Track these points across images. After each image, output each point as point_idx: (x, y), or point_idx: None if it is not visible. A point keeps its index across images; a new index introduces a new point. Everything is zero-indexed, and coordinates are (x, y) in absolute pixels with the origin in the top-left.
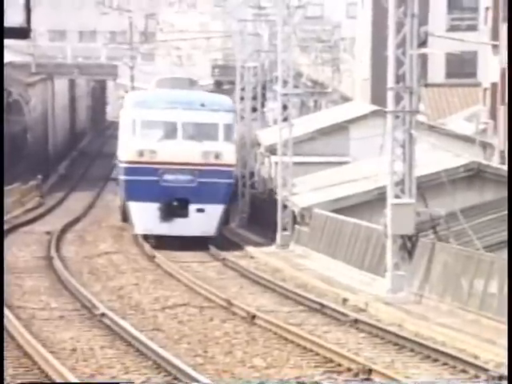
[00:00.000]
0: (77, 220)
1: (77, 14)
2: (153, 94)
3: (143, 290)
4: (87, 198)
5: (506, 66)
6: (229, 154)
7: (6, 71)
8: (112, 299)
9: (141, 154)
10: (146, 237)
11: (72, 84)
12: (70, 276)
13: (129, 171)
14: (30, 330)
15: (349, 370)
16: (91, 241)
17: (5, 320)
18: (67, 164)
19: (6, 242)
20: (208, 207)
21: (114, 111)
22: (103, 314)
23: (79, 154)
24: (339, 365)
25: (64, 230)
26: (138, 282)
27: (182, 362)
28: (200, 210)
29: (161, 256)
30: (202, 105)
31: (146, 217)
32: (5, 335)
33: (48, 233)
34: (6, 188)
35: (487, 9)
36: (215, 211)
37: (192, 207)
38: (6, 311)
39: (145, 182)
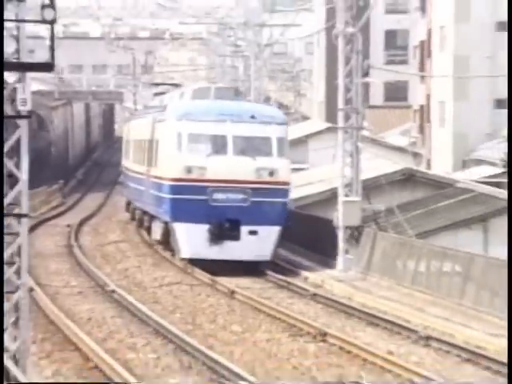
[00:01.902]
0: (91, 216)
1: (91, 52)
2: (198, 105)
3: (144, 271)
4: (99, 198)
5: (430, 92)
6: (284, 170)
7: (35, 98)
8: (120, 278)
9: (189, 170)
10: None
11: (87, 107)
12: (86, 260)
13: (175, 189)
14: (54, 303)
15: (308, 333)
16: (103, 232)
17: (35, 294)
18: (83, 171)
19: (36, 233)
20: (261, 229)
21: (120, 129)
22: (113, 291)
23: (93, 163)
24: (301, 329)
25: (81, 224)
26: (140, 264)
27: (176, 328)
28: (253, 233)
29: (158, 245)
30: (253, 117)
31: (194, 239)
32: (32, 311)
33: (68, 226)
34: (35, 190)
35: (415, 47)
36: (269, 233)
37: (244, 229)
38: (36, 288)
39: (193, 202)
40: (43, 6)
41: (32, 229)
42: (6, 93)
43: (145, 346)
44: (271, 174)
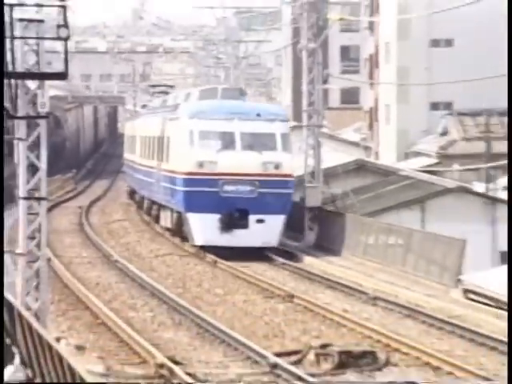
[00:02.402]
0: (98, 199)
1: (98, 64)
2: (208, 104)
3: (142, 244)
4: (105, 185)
5: (378, 96)
6: (288, 163)
7: (52, 101)
8: (122, 250)
9: (201, 165)
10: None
11: (95, 109)
12: (94, 235)
13: (188, 182)
14: (69, 271)
15: (278, 295)
16: (108, 212)
17: (52, 264)
18: (92, 162)
19: (52, 213)
20: (268, 218)
21: (122, 127)
22: (116, 261)
23: (100, 155)
24: (272, 292)
25: (90, 206)
26: (139, 239)
27: (169, 291)
28: (260, 221)
29: (153, 222)
30: (258, 115)
31: (206, 228)
32: (50, 277)
33: (80, 207)
34: (52, 178)
35: (365, 59)
36: (275, 222)
37: (252, 218)
38: (53, 258)
39: (205, 193)
40: (58, 26)
41: (49, 209)
42: (27, 97)
43: (143, 306)
44: (276, 167)
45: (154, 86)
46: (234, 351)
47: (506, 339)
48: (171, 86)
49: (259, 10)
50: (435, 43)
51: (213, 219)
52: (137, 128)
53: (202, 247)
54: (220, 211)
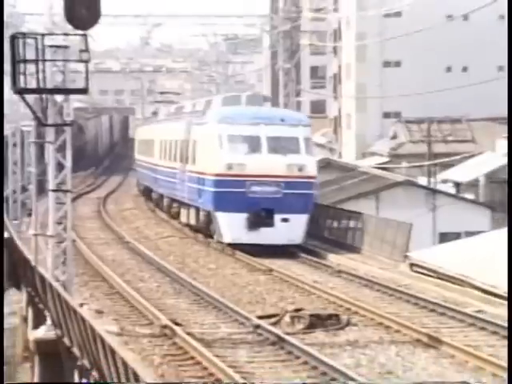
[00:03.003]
0: (113, 191)
1: (113, 81)
2: (235, 110)
3: (149, 228)
4: (119, 179)
5: (341, 107)
6: (311, 166)
7: (76, 112)
8: (133, 233)
9: (230, 167)
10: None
11: (110, 118)
12: (110, 221)
13: (218, 183)
14: (90, 249)
15: (260, 269)
16: (121, 202)
17: (76, 244)
18: (108, 161)
19: (76, 202)
20: (292, 217)
21: (132, 132)
22: (128, 241)
23: (114, 156)
24: (255, 267)
25: (106, 197)
26: (147, 224)
27: (171, 266)
28: (285, 220)
29: (158, 211)
30: (282, 120)
31: (234, 227)
32: (75, 255)
33: (98, 198)
34: (75, 174)
35: (330, 77)
36: (299, 220)
37: (277, 217)
38: (78, 240)
39: (234, 194)
40: (81, 51)
41: (73, 200)
42: (55, 108)
43: (150, 278)
44: (300, 169)
45: (162, 92)
46: (224, 314)
47: (443, 303)
48: (178, 93)
49: (244, 37)
50: (386, 64)
51: (240, 218)
52: (155, 132)
53: (230, 244)
54: (247, 211)
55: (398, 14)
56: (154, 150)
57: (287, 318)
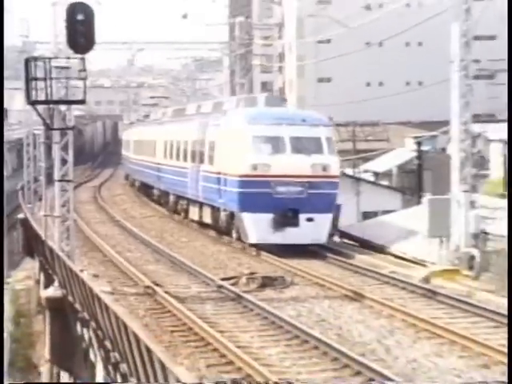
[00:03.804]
0: (106, 181)
1: (105, 94)
2: (258, 111)
3: (135, 210)
4: (110, 172)
5: None
6: (334, 166)
7: (76, 119)
8: (122, 214)
9: (255, 167)
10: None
11: (104, 123)
12: (104, 204)
13: (243, 184)
14: (88, 226)
15: (222, 242)
16: (112, 189)
17: (77, 222)
18: (102, 157)
19: (77, 190)
20: (317, 216)
21: (121, 134)
22: (118, 220)
23: (107, 153)
24: (218, 240)
25: (100, 185)
26: (133, 206)
27: (152, 239)
28: (309, 220)
29: (142, 196)
30: (304, 120)
31: (259, 227)
32: (76, 231)
33: (94, 186)
34: (76, 167)
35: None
36: (323, 220)
37: (302, 217)
38: (78, 219)
39: (259, 194)
40: (80, 70)
41: (75, 188)
42: (60, 116)
43: (135, 249)
44: (324, 168)
45: (152, 97)
46: (194, 277)
47: (365, 266)
48: (166, 97)
49: (208, 59)
50: (320, 80)
51: (266, 218)
52: (157, 134)
53: (252, 245)
54: (272, 211)
55: (328, 41)
56: (156, 149)
57: (244, 280)
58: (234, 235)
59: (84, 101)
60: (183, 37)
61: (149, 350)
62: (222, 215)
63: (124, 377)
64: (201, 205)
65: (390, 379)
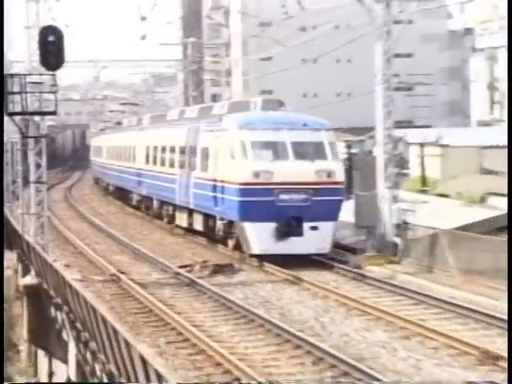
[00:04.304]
0: (75, 183)
1: (75, 106)
2: (255, 115)
3: (102, 207)
4: (79, 174)
5: None
6: (339, 171)
7: (49, 128)
8: (90, 211)
9: (256, 175)
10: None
11: (73, 132)
12: (74, 203)
13: (244, 192)
14: (60, 223)
15: (178, 234)
16: (82, 190)
17: (50, 219)
18: (71, 162)
19: (50, 191)
20: (321, 224)
21: (89, 141)
22: (87, 217)
23: (76, 158)
24: (175, 232)
25: (71, 186)
26: (100, 204)
27: (117, 233)
28: (314, 228)
29: (110, 196)
30: (305, 124)
31: (262, 237)
32: (50, 226)
33: (65, 187)
34: (48, 171)
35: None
36: (328, 228)
37: (306, 225)
38: (52, 216)
39: (261, 203)
40: (51, 85)
41: (48, 189)
42: (35, 125)
43: (102, 241)
44: (329, 175)
45: (124, 103)
46: (154, 265)
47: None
48: (137, 104)
49: (164, 74)
50: (263, 92)
51: (269, 228)
52: (136, 140)
53: (253, 255)
54: (276, 220)
55: (269, 58)
56: (136, 155)
57: (197, 267)
58: (231, 244)
59: (55, 112)
60: (142, 55)
61: (115, 330)
62: (219, 224)
63: (93, 353)
64: (190, 212)
65: (377, 379)
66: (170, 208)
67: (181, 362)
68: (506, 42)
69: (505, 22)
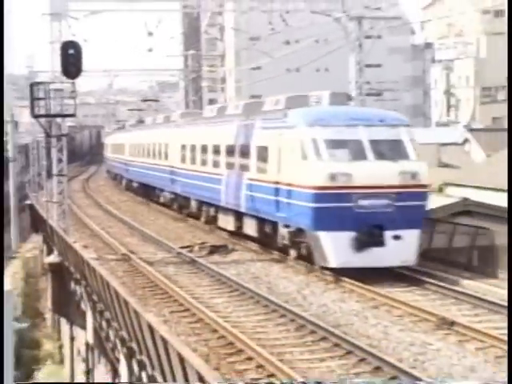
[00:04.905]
0: (92, 175)
1: (90, 109)
2: (326, 110)
3: (114, 196)
4: (95, 168)
5: None
6: (424, 173)
7: (69, 128)
8: (104, 200)
9: (333, 178)
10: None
11: (90, 132)
12: (91, 192)
13: (319, 197)
14: (79, 210)
15: (181, 219)
16: (97, 182)
17: (70, 206)
18: (88, 158)
19: (70, 182)
20: (405, 233)
21: (103, 139)
22: (100, 204)
23: (92, 154)
24: (178, 218)
25: (88, 178)
26: (113, 194)
27: (127, 218)
28: (397, 237)
29: (121, 185)
30: (381, 120)
31: (340, 248)
32: (70, 213)
33: (83, 179)
34: (69, 165)
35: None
36: (413, 237)
37: (388, 234)
38: (71, 204)
39: (338, 210)
40: (71, 91)
41: (68, 180)
42: (56, 126)
43: (115, 226)
44: (413, 177)
45: (144, 100)
46: (160, 246)
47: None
48: (157, 100)
49: (168, 82)
50: (253, 97)
51: (347, 238)
52: (167, 137)
53: (332, 269)
54: (354, 229)
55: (258, 68)
56: (168, 153)
57: (197, 248)
58: (293, 254)
59: (74, 114)
60: (149, 65)
61: (126, 302)
62: (283, 231)
63: (108, 321)
64: (239, 215)
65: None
66: (212, 209)
67: (183, 328)
68: (459, 55)
69: (459, 39)
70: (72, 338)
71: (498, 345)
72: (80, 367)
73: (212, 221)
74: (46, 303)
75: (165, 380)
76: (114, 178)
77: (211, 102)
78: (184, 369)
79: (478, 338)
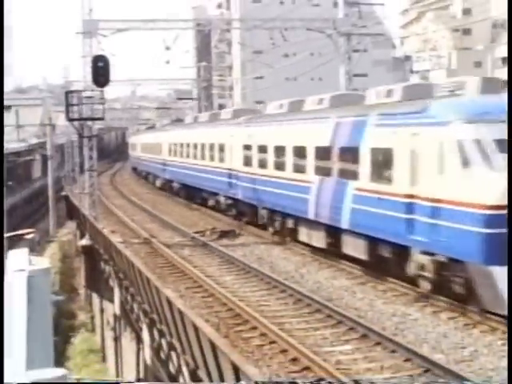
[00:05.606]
0: (118, 170)
1: (116, 114)
2: (486, 103)
3: (138, 188)
4: (120, 165)
5: None
6: None
7: (98, 130)
8: (129, 191)
9: (505, 195)
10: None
11: (116, 132)
12: (118, 185)
13: (494, 221)
14: (107, 200)
15: (196, 208)
16: (122, 176)
17: (100, 197)
18: (115, 155)
19: (99, 177)
20: None
21: (127, 139)
22: (125, 196)
23: (118, 152)
24: (192, 207)
25: (114, 173)
26: (136, 186)
27: (149, 207)
28: None
29: (150, 183)
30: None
31: None
32: (100, 202)
33: (111, 174)
34: (98, 162)
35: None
36: None
37: None
38: (101, 195)
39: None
40: (100, 98)
41: (98, 175)
42: (88, 128)
43: (138, 214)
44: None
45: (180, 98)
46: (176, 231)
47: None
48: (192, 99)
49: (183, 89)
50: (257, 102)
51: None
52: (222, 137)
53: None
54: None
55: (261, 77)
56: (226, 155)
57: (208, 233)
58: (427, 287)
59: (103, 118)
60: (167, 75)
61: (147, 279)
62: (423, 260)
63: (132, 296)
64: (334, 230)
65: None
66: (290, 221)
67: (196, 302)
68: (433, 67)
69: (433, 53)
70: (102, 310)
71: (467, 313)
72: (109, 335)
73: (287, 233)
74: (80, 280)
75: (181, 345)
76: (145, 178)
77: (221, 107)
78: (198, 336)
79: (451, 308)
